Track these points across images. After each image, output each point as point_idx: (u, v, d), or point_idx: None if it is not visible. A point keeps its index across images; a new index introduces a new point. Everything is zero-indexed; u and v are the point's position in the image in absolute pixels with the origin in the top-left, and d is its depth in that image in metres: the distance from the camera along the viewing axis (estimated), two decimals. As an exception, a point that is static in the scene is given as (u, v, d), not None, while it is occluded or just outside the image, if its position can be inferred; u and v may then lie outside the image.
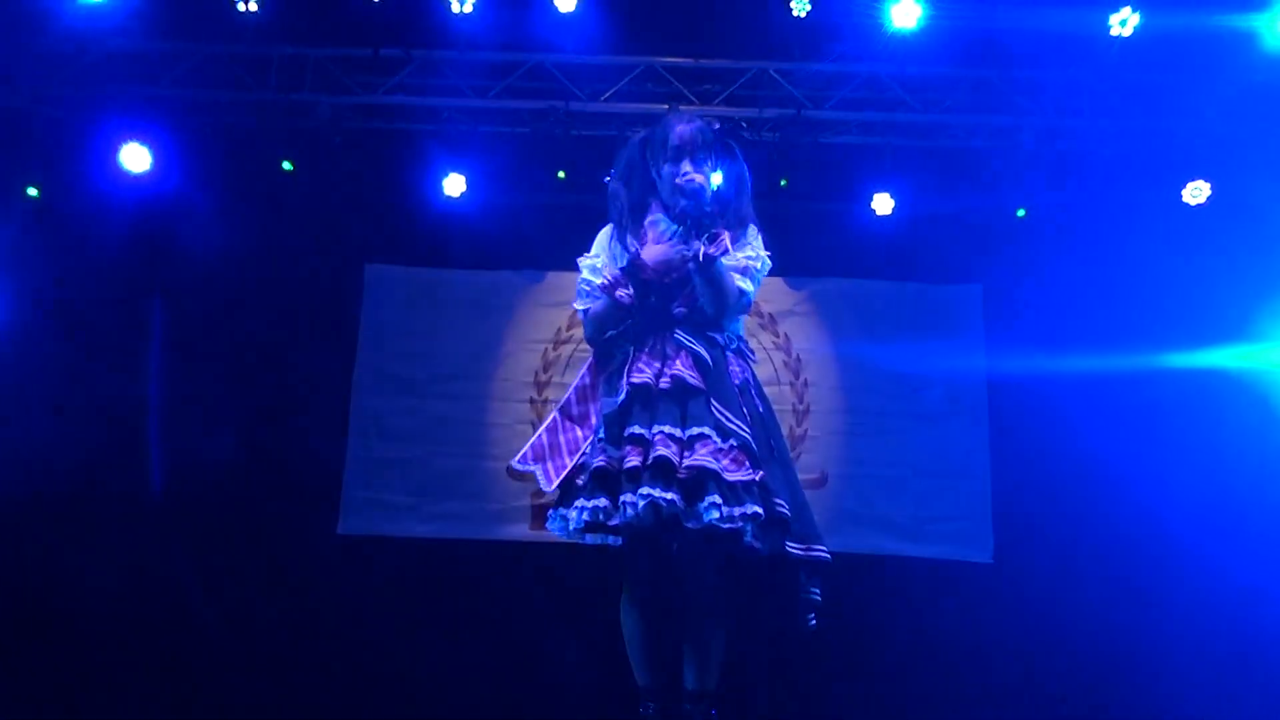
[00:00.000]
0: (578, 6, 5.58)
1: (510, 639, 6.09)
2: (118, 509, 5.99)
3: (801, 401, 6.52)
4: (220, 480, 6.16)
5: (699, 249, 2.90)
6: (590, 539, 3.12)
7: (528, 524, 6.35)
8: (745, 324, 3.26)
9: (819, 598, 2.96)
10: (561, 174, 6.13)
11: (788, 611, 2.98)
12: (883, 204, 6.22)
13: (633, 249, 3.08)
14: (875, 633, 5.87)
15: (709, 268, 2.92)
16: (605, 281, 3.06)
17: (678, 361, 2.95)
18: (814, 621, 2.97)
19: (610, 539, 3.07)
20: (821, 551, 2.96)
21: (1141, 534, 6.13)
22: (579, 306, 3.19)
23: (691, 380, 2.92)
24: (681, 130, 3.07)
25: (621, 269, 3.07)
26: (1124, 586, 6.11)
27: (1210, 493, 5.96)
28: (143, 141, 5.96)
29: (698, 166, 3.02)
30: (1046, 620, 6.01)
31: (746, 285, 3.05)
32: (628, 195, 3.15)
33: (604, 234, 3.22)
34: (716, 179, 3.00)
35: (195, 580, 5.98)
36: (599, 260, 3.16)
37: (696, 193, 2.97)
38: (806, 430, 6.48)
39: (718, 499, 2.77)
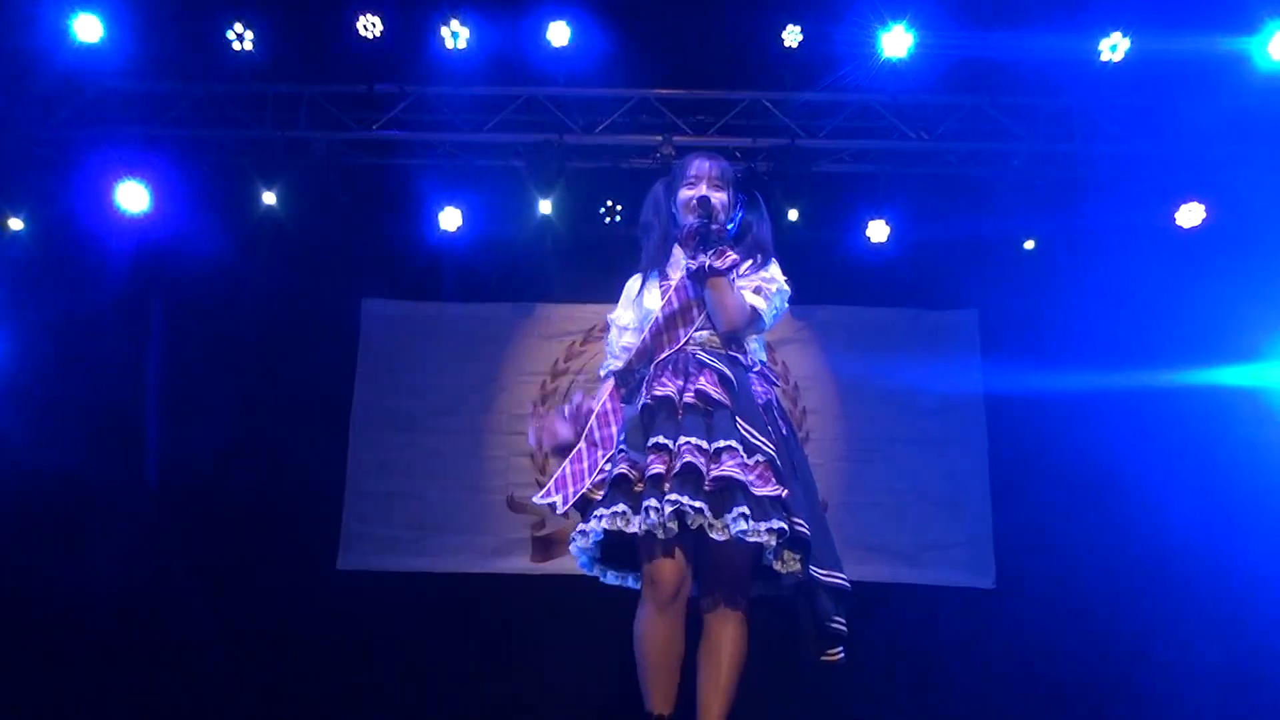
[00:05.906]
0: (571, 40, 5.63)
1: (511, 673, 6.05)
2: (116, 545, 5.95)
3: (801, 429, 6.50)
4: (219, 518, 6.14)
5: (703, 261, 2.98)
6: (611, 578, 3.09)
7: (528, 556, 6.32)
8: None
9: (845, 628, 2.91)
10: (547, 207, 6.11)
11: (808, 638, 2.93)
12: (878, 231, 6.23)
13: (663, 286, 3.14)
14: (878, 661, 5.80)
15: (710, 278, 2.99)
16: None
17: (701, 378, 2.95)
18: (843, 654, 2.92)
19: (630, 581, 3.04)
20: (842, 579, 2.92)
21: (1145, 557, 6.11)
22: (601, 373, 3.25)
23: (716, 395, 2.91)
24: (700, 162, 3.20)
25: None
26: (1128, 611, 6.08)
27: (1214, 514, 5.93)
28: (140, 180, 5.98)
29: (711, 190, 3.14)
30: (1050, 647, 5.97)
31: (759, 303, 3.07)
32: (652, 236, 3.24)
33: (631, 284, 3.28)
34: (720, 198, 3.12)
35: (194, 618, 5.95)
36: (624, 316, 3.23)
37: (703, 205, 3.06)
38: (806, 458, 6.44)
39: (745, 510, 2.73)
